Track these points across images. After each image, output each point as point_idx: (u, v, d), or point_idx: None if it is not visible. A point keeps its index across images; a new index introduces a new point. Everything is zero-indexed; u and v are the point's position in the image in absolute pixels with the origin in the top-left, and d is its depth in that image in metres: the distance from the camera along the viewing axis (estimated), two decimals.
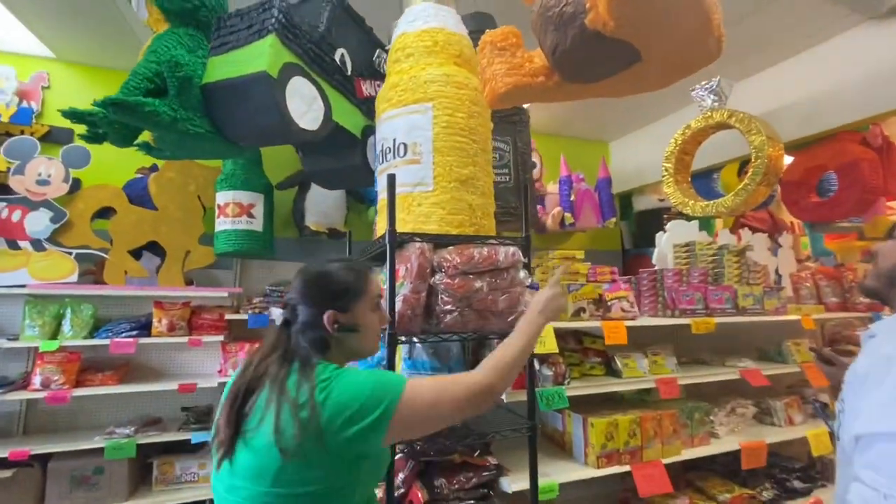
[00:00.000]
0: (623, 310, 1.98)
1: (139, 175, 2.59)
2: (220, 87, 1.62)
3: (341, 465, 0.84)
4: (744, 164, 4.02)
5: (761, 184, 2.77)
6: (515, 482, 1.66)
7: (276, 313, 2.34)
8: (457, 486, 1.59)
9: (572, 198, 4.05)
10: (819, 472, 2.34)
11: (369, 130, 2.07)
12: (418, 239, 1.46)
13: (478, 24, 2.13)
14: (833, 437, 1.18)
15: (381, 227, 1.65)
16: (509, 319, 1.45)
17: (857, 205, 3.08)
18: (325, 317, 0.94)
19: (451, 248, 1.45)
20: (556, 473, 1.80)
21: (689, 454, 2.04)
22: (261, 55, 1.58)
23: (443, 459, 1.66)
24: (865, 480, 0.77)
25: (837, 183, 3.15)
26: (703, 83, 3.01)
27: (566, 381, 1.87)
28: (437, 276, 1.43)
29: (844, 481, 0.88)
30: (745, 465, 2.09)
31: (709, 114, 2.99)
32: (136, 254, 2.40)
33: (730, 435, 2.19)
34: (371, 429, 0.82)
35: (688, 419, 2.05)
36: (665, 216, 4.37)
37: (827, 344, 2.96)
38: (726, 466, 2.27)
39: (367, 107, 2.08)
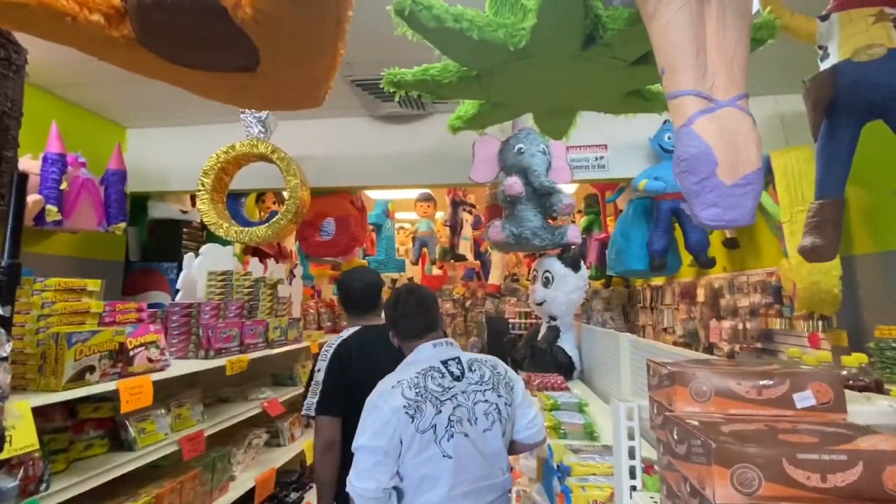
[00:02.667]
0: (150, 359, 1.47)
1: None
2: None
3: None
4: (260, 195, 4.25)
5: (291, 221, 2.96)
6: None
7: None
8: None
9: (63, 185, 2.85)
10: (309, 476, 2.65)
11: None
12: None
13: None
14: None
15: None
16: None
17: (346, 248, 3.88)
18: None
19: None
20: None
21: None
22: None
23: None
24: None
25: (335, 228, 3.89)
26: (254, 111, 2.94)
27: (44, 485, 1.14)
28: None
29: None
30: (258, 498, 2.04)
31: (254, 142, 2.93)
32: None
33: (246, 471, 2.05)
34: None
35: (210, 473, 1.78)
36: (186, 230, 3.90)
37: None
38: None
39: None
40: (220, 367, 1.77)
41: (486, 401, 1.22)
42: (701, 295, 4.67)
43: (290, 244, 4.63)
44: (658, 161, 3.22)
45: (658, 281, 5.74)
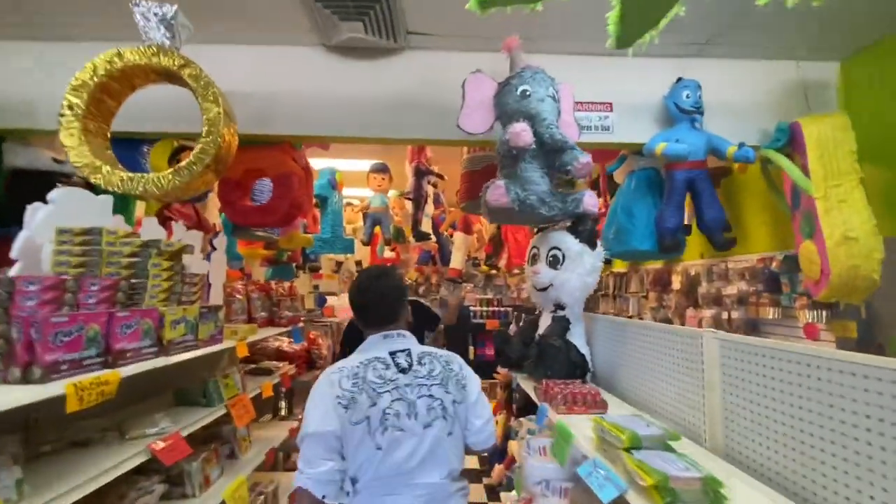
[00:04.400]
0: None
1: None
2: None
3: None
4: (178, 151, 3.17)
5: (210, 167, 2.06)
6: None
7: None
8: None
9: None
10: None
11: None
12: None
13: None
14: None
15: None
16: None
17: (286, 216, 2.99)
18: None
19: None
20: None
21: None
22: None
23: None
24: None
25: (272, 191, 2.98)
26: (154, 2, 1.99)
27: None
28: None
29: None
30: None
31: (154, 49, 1.99)
32: None
33: None
34: None
35: None
36: (61, 184, 2.79)
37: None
38: None
39: None
40: (54, 398, 0.93)
41: (430, 395, 1.19)
42: (676, 282, 4.36)
43: (214, 216, 3.65)
44: (669, 124, 2.72)
45: (621, 267, 5.41)
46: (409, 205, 4.50)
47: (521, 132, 2.00)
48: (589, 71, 2.79)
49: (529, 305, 6.26)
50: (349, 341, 1.76)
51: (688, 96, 2.58)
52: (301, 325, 2.64)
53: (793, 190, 2.65)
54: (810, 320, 2.86)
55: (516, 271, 6.31)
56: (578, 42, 2.63)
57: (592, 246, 2.13)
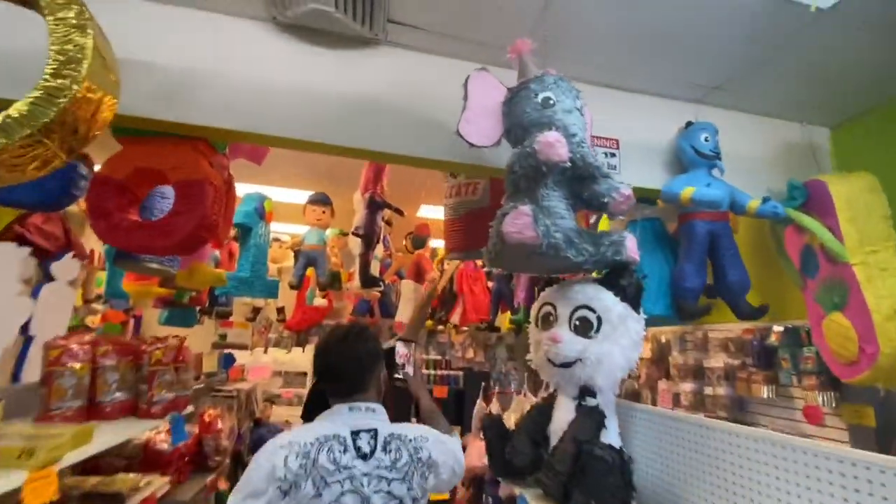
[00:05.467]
0: None
1: None
2: None
3: None
4: None
5: (53, 134, 1.19)
6: None
7: None
8: None
9: None
10: None
11: None
12: None
13: None
14: None
15: None
16: None
17: (186, 240, 2.06)
18: None
19: None
20: None
21: None
22: None
23: None
24: None
25: (175, 202, 2.08)
26: None
27: None
28: None
29: None
30: None
31: None
32: None
33: None
34: None
35: None
36: None
37: None
38: None
39: None
40: None
41: (388, 492, 1.07)
42: (646, 350, 3.96)
43: (94, 243, 2.60)
44: (678, 170, 2.36)
45: None
46: (354, 243, 3.73)
47: (556, 143, 1.44)
48: (596, 101, 2.37)
49: (481, 369, 5.54)
50: (314, 410, 1.24)
51: (707, 139, 2.24)
52: (188, 409, 1.66)
53: (804, 254, 2.34)
54: (821, 403, 2.47)
55: (464, 329, 5.65)
56: (587, 67, 2.25)
57: (637, 308, 1.55)
